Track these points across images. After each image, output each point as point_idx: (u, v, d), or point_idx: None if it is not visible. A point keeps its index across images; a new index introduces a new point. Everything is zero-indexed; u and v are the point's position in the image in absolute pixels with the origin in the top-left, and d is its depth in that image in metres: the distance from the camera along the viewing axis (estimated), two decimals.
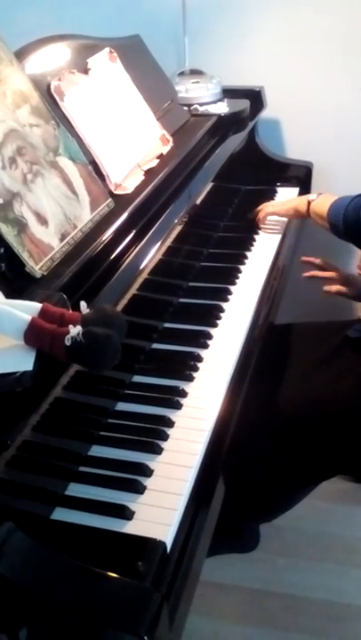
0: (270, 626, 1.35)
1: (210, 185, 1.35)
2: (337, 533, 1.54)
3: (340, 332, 1.26)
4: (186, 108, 1.44)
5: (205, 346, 1.09)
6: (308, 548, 1.51)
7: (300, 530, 1.54)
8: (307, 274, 1.40)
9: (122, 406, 0.97)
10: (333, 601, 1.40)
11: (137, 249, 0.98)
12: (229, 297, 1.23)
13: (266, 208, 1.45)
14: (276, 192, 1.60)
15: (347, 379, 1.15)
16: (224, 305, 1.21)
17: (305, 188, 1.56)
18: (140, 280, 1.01)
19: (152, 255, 1.01)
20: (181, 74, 1.58)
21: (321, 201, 1.30)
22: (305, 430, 1.15)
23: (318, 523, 1.56)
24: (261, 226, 1.48)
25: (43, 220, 0.86)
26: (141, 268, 0.98)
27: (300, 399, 1.17)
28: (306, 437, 1.15)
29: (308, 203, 1.32)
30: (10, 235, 0.80)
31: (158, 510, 0.79)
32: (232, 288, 1.26)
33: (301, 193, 1.56)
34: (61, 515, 0.79)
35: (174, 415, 0.94)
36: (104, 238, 0.93)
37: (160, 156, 1.20)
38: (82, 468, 0.85)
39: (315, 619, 1.37)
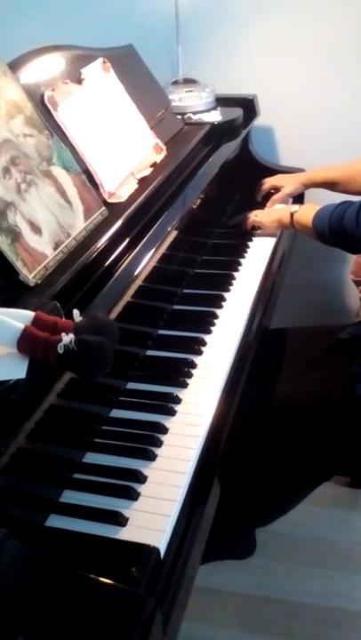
0: (267, 632, 1.35)
1: (204, 192, 1.36)
2: (334, 539, 1.55)
3: (332, 335, 1.27)
4: (179, 117, 1.45)
5: (199, 352, 1.10)
6: (304, 553, 1.51)
7: (296, 536, 1.54)
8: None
9: (116, 413, 0.97)
10: (331, 606, 1.40)
11: (131, 257, 0.99)
12: (223, 303, 1.24)
13: (251, 217, 1.46)
14: (266, 198, 1.61)
15: (339, 379, 1.16)
16: (218, 312, 1.21)
17: (298, 196, 1.57)
18: (134, 287, 1.01)
19: (146, 262, 1.02)
20: (175, 83, 1.59)
21: (304, 211, 1.31)
22: (299, 431, 1.16)
23: (315, 528, 1.56)
24: (255, 233, 1.49)
25: (36, 229, 0.87)
26: (135, 275, 0.99)
27: (293, 401, 1.18)
28: (300, 438, 1.16)
29: (292, 214, 1.34)
30: (4, 244, 0.81)
31: (152, 516, 0.79)
32: (226, 295, 1.27)
33: (295, 200, 1.57)
34: (56, 521, 0.79)
35: (168, 422, 0.95)
36: (98, 246, 0.94)
37: (154, 165, 1.21)
38: (76, 475, 0.86)
39: (312, 624, 1.37)
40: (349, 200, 1.22)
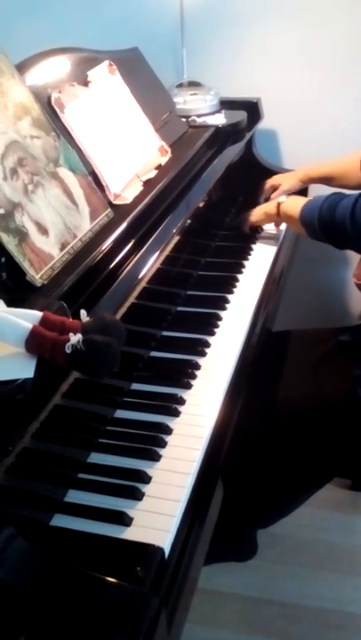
0: (268, 634, 1.36)
1: (208, 195, 1.37)
2: (335, 541, 1.55)
3: (334, 337, 1.27)
4: (184, 120, 1.46)
5: (203, 354, 1.10)
6: (306, 556, 1.52)
7: (298, 538, 1.54)
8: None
9: (120, 414, 0.97)
10: (331, 609, 1.40)
11: (136, 258, 1.00)
12: (227, 305, 1.25)
13: (247, 217, 1.46)
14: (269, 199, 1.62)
15: (341, 382, 1.17)
16: (222, 313, 1.22)
17: (301, 192, 1.58)
18: (138, 289, 1.02)
19: (151, 264, 1.03)
20: (180, 85, 1.60)
21: (291, 202, 1.30)
22: (301, 433, 1.16)
23: (317, 531, 1.57)
24: (258, 235, 1.50)
25: (43, 230, 0.88)
26: (140, 276, 1.00)
27: (295, 403, 1.19)
28: (302, 440, 1.16)
29: (278, 205, 1.33)
30: (11, 244, 0.82)
31: (156, 517, 0.80)
32: (230, 297, 1.27)
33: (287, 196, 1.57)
34: (61, 521, 0.80)
35: (172, 422, 0.95)
36: (103, 248, 0.95)
37: (159, 167, 1.22)
38: (81, 475, 0.86)
39: (313, 627, 1.37)
40: (342, 192, 1.19)
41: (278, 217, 1.34)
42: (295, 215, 1.25)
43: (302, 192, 1.58)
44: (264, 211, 1.40)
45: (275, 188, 1.54)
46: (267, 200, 1.56)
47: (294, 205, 1.27)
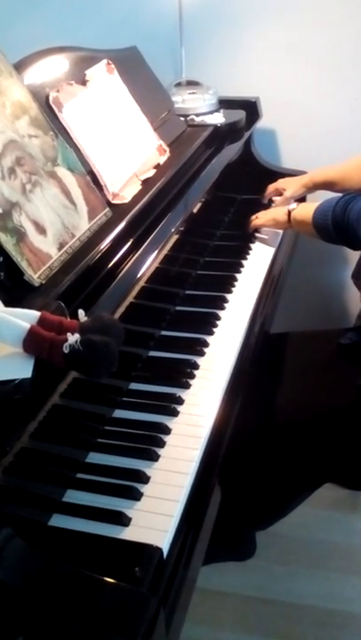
0: (267, 633, 1.36)
1: (206, 194, 1.37)
2: (334, 541, 1.55)
3: (333, 340, 1.27)
4: (182, 119, 1.46)
5: (202, 353, 1.10)
6: (305, 555, 1.51)
7: (297, 537, 1.54)
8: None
9: (119, 413, 0.97)
10: (331, 608, 1.40)
11: (134, 258, 1.00)
12: (225, 305, 1.24)
13: (253, 219, 1.46)
14: (272, 201, 1.62)
15: (341, 388, 1.16)
16: (220, 313, 1.22)
17: (300, 198, 1.58)
18: (137, 288, 1.02)
19: (149, 264, 1.02)
20: (178, 85, 1.60)
21: (303, 208, 1.30)
22: (299, 437, 1.16)
23: (315, 530, 1.57)
24: (257, 235, 1.50)
25: (41, 230, 0.87)
26: (138, 276, 0.99)
27: (294, 407, 1.18)
28: (300, 444, 1.16)
29: (289, 212, 1.33)
30: (9, 244, 0.81)
31: (155, 516, 0.80)
32: (228, 296, 1.27)
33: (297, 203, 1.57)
34: (59, 521, 0.79)
35: (171, 422, 0.95)
36: (102, 247, 0.95)
37: (157, 166, 1.21)
38: (79, 475, 0.86)
39: (312, 626, 1.37)
40: (352, 194, 1.19)
41: (289, 223, 1.34)
42: (308, 220, 1.25)
43: (301, 199, 1.58)
44: (273, 217, 1.39)
45: (279, 193, 1.54)
46: (269, 202, 1.56)
47: (306, 210, 1.27)
